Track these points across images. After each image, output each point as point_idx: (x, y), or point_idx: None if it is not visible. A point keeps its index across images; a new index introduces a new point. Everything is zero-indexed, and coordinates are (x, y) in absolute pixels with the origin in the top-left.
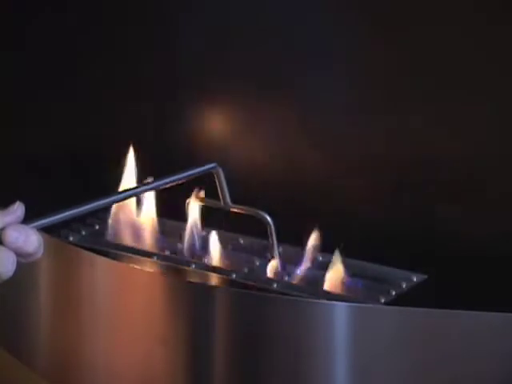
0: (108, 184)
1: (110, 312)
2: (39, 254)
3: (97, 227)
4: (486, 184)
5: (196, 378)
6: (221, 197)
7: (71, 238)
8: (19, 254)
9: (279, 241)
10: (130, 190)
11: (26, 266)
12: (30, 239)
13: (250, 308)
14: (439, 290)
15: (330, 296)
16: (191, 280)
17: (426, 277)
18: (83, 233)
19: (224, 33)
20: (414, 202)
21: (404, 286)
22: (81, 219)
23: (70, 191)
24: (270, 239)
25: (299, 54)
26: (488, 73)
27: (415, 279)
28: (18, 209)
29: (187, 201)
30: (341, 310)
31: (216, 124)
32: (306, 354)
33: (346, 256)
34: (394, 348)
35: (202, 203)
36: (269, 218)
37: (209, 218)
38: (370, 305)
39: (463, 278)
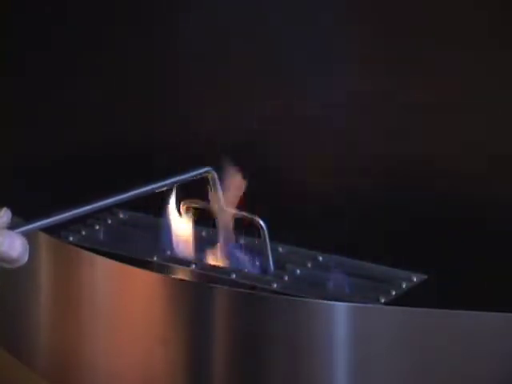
0: (108, 185)
1: (110, 312)
2: (24, 260)
3: (97, 227)
4: None
5: (196, 378)
6: (215, 201)
7: (71, 239)
8: (3, 260)
9: (278, 242)
10: (120, 194)
11: (25, 266)
12: (14, 244)
13: (250, 308)
14: (439, 289)
15: (329, 296)
16: (191, 280)
17: (426, 277)
18: (83, 233)
19: (224, 33)
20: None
21: (404, 285)
22: (81, 219)
23: (69, 192)
24: (263, 242)
25: (299, 54)
26: None
27: (415, 279)
28: (4, 214)
29: (182, 203)
30: (341, 309)
31: (216, 124)
32: (306, 354)
33: (345, 256)
34: (394, 348)
35: (195, 206)
36: (262, 223)
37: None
38: (370, 305)
39: (463, 277)
